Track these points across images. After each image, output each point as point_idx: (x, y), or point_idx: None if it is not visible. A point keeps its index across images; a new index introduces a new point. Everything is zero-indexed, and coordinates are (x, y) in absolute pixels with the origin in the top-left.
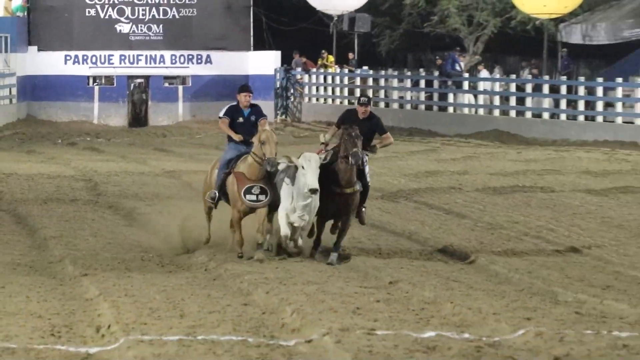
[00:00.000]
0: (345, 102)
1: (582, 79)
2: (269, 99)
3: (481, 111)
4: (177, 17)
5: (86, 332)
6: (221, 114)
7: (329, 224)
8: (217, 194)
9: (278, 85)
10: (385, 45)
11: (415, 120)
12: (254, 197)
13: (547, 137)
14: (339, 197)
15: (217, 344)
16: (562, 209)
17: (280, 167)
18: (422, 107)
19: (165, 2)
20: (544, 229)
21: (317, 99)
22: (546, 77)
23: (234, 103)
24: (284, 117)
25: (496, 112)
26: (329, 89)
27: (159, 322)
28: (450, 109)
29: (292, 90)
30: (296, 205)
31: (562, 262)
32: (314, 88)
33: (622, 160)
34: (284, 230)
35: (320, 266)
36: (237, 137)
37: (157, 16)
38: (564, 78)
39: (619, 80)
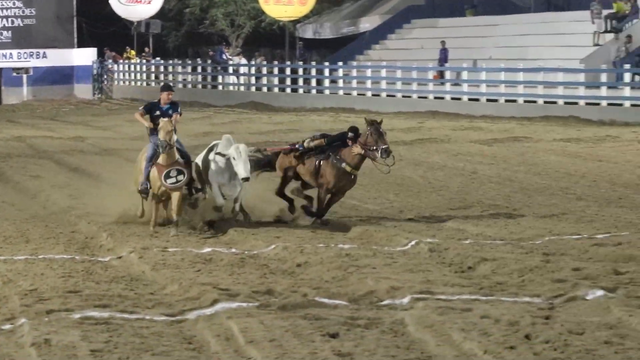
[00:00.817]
0: (144, 84)
1: (313, 63)
2: (89, 83)
3: (242, 88)
4: (21, 25)
5: None
6: (140, 108)
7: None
8: (148, 184)
9: (95, 73)
10: (172, 42)
11: (194, 95)
12: (173, 180)
13: (289, 105)
14: (347, 176)
15: (53, 261)
16: None
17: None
18: (200, 86)
19: (13, 14)
20: None
21: (124, 82)
22: (288, 62)
23: (154, 101)
24: (100, 95)
25: (253, 89)
26: (132, 75)
27: (10, 246)
28: (220, 87)
29: (105, 76)
30: (226, 182)
31: None
32: (121, 74)
33: (343, 121)
34: (220, 201)
35: (127, 204)
36: (146, 124)
37: (7, 25)
38: (300, 63)
39: (340, 63)
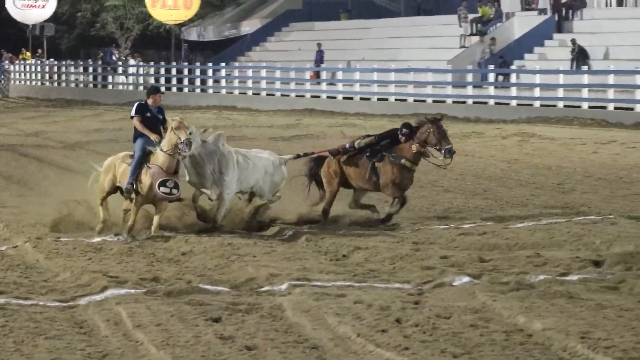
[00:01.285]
0: (39, 83)
1: (198, 64)
2: None
3: (130, 87)
4: None
5: None
6: (133, 112)
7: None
8: (134, 184)
9: None
10: (65, 44)
11: (86, 94)
12: (167, 190)
13: (175, 104)
14: (407, 172)
15: None
16: None
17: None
18: (91, 85)
19: None
20: None
21: (20, 82)
22: (174, 63)
23: (142, 102)
24: None
25: (140, 88)
26: (28, 75)
27: None
28: (110, 86)
29: (2, 76)
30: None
31: None
32: (17, 74)
33: (225, 118)
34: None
35: (19, 195)
36: (153, 137)
37: None
38: (186, 64)
39: (223, 64)
